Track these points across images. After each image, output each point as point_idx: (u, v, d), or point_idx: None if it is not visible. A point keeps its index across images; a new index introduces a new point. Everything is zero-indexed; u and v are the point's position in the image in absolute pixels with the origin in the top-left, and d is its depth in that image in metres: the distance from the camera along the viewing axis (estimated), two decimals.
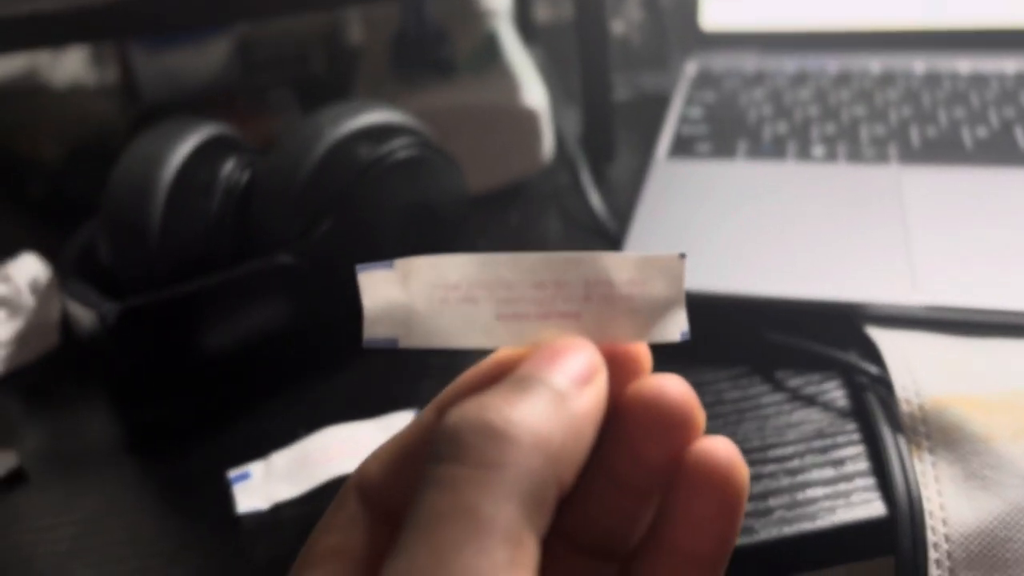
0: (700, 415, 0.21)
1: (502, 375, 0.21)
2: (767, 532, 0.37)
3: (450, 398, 0.22)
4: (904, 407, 0.39)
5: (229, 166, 0.47)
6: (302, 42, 0.72)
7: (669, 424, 0.21)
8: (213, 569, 0.38)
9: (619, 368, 0.22)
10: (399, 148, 0.46)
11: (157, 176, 0.45)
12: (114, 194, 0.45)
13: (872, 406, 0.41)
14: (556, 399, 0.20)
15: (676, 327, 0.24)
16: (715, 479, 0.21)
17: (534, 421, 0.19)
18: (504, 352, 0.22)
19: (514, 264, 0.24)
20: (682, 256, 0.24)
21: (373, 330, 0.25)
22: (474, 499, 0.18)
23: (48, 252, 0.54)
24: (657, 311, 0.24)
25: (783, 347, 0.45)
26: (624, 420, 0.22)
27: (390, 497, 0.22)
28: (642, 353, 0.23)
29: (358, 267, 0.25)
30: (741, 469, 0.21)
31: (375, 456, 0.23)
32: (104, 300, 0.44)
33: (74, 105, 0.73)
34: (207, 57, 0.70)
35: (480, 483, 0.18)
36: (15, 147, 0.67)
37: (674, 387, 0.21)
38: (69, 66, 0.80)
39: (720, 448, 0.21)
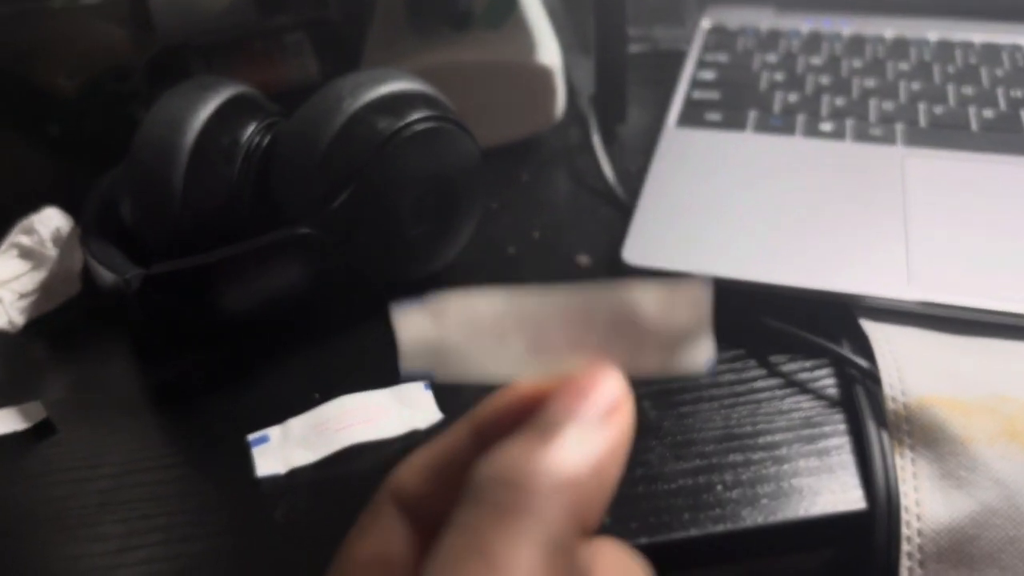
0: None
1: (534, 403, 0.22)
2: (752, 519, 0.39)
3: (484, 417, 0.23)
4: (890, 404, 0.41)
5: (250, 130, 0.48)
6: None
7: None
8: (234, 530, 0.41)
9: None
10: (418, 120, 0.47)
11: (179, 142, 0.46)
12: (137, 158, 0.46)
13: (860, 400, 0.43)
14: (579, 441, 0.20)
15: (702, 357, 0.24)
16: None
17: (556, 470, 0.19)
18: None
19: (542, 299, 0.24)
20: (707, 283, 0.23)
21: (410, 363, 0.26)
22: (491, 542, 0.18)
23: (68, 192, 0.54)
24: (683, 341, 0.24)
25: (779, 333, 0.47)
26: None
27: (427, 506, 0.22)
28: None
29: (392, 306, 0.26)
30: None
31: (409, 465, 0.23)
32: (127, 264, 0.45)
33: (90, 33, 0.72)
34: None
35: (497, 527, 0.18)
36: (32, 76, 0.67)
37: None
38: None
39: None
